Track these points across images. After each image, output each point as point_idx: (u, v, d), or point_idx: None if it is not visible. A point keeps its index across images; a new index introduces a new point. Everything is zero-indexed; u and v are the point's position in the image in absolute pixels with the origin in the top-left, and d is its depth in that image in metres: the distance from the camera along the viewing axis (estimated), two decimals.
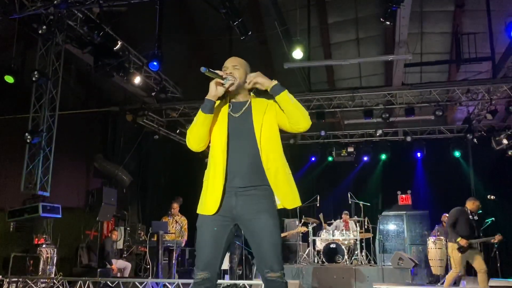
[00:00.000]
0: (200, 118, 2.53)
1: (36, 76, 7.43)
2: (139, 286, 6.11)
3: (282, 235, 9.34)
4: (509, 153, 10.75)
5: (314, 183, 12.88)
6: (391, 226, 11.28)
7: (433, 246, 8.88)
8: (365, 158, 12.48)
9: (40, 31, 7.36)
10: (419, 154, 12.16)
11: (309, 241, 9.93)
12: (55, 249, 7.21)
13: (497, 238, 6.76)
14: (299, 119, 2.50)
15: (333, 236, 9.75)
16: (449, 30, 10.37)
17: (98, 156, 10.04)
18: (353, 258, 9.64)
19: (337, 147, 12.51)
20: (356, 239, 9.63)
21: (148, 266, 7.45)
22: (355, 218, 10.21)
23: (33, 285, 6.42)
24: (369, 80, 11.88)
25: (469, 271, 9.51)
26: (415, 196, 11.67)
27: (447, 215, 6.91)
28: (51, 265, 7.05)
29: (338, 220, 10.53)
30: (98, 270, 7.70)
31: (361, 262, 9.41)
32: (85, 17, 7.50)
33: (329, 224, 10.46)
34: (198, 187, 2.66)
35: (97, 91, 10.13)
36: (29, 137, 7.37)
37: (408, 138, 11.53)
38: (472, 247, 6.39)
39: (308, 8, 9.12)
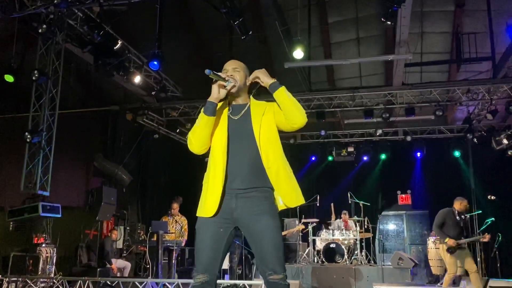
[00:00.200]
0: (203, 121, 2.53)
1: (36, 75, 7.43)
2: (139, 286, 6.10)
3: (282, 233, 9.33)
4: (509, 153, 10.74)
5: (314, 183, 12.87)
6: (391, 226, 11.29)
7: (433, 246, 8.88)
8: (365, 158, 12.47)
9: (40, 30, 7.34)
10: (419, 154, 12.16)
11: (309, 240, 9.93)
12: (55, 249, 7.20)
13: (487, 237, 6.78)
14: (295, 115, 2.51)
15: (333, 236, 9.75)
16: (449, 29, 10.36)
17: (98, 156, 10.03)
18: (353, 258, 9.64)
19: (337, 146, 12.51)
20: (356, 239, 9.63)
21: (148, 266, 7.45)
22: (355, 217, 10.20)
23: (32, 284, 6.41)
24: (369, 80, 11.88)
25: None
26: (415, 196, 11.68)
27: None
28: (50, 264, 7.04)
29: (338, 220, 10.53)
30: (98, 269, 7.69)
31: (361, 262, 9.41)
32: (85, 16, 7.48)
33: (329, 224, 10.45)
34: (198, 187, 2.66)
35: (97, 90, 10.12)
36: (29, 136, 7.36)
37: (408, 138, 11.53)
38: (461, 247, 6.39)
39: (308, 7, 9.12)
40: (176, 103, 10.61)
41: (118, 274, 8.33)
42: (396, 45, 8.30)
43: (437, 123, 11.74)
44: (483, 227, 8.22)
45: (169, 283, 6.23)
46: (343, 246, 9.47)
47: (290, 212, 10.82)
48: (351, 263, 9.39)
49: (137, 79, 8.95)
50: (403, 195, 11.56)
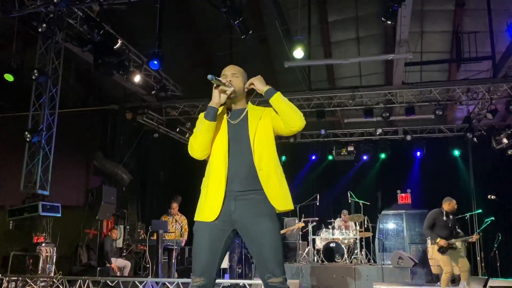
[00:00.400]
0: (204, 126, 2.55)
1: (36, 74, 7.41)
2: (138, 285, 6.10)
3: (281, 232, 9.35)
4: (509, 152, 10.75)
5: (314, 182, 12.86)
6: (391, 225, 11.28)
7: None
8: (365, 157, 12.48)
9: (40, 29, 7.33)
10: (419, 153, 12.16)
11: (309, 240, 9.94)
12: (55, 248, 7.20)
13: (474, 237, 6.89)
14: (293, 119, 2.53)
15: (332, 235, 9.75)
16: (449, 29, 10.36)
17: (97, 155, 10.02)
18: (352, 257, 9.65)
19: (337, 146, 12.50)
20: (356, 238, 9.63)
21: (148, 265, 7.45)
22: (355, 215, 10.19)
23: (32, 284, 6.41)
24: (369, 79, 11.86)
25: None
26: (415, 195, 11.67)
27: None
28: (50, 263, 7.04)
29: (338, 219, 10.54)
30: (98, 268, 7.69)
31: (361, 261, 9.42)
32: (85, 15, 7.47)
33: (329, 224, 10.45)
34: (198, 186, 2.66)
35: (97, 90, 10.11)
36: (28, 135, 7.35)
37: (408, 137, 11.52)
38: (452, 247, 6.48)
39: (308, 6, 9.11)
40: (176, 102, 10.60)
41: (118, 274, 8.33)
42: (396, 45, 8.29)
43: (437, 123, 11.74)
44: (483, 226, 8.23)
45: (169, 282, 6.24)
46: (343, 246, 9.48)
47: (290, 212, 10.81)
48: (351, 262, 9.40)
49: (137, 78, 8.94)
50: (403, 194, 11.55)
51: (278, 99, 2.55)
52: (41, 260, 6.88)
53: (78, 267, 8.19)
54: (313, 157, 12.85)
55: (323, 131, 11.70)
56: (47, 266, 6.98)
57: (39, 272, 6.81)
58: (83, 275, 6.69)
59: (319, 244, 9.93)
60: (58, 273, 6.71)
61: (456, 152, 11.82)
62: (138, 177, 11.23)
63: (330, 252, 9.45)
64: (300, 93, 10.07)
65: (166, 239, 7.49)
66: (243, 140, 2.57)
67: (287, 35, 8.74)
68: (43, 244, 7.07)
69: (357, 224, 9.82)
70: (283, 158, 12.04)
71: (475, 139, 10.99)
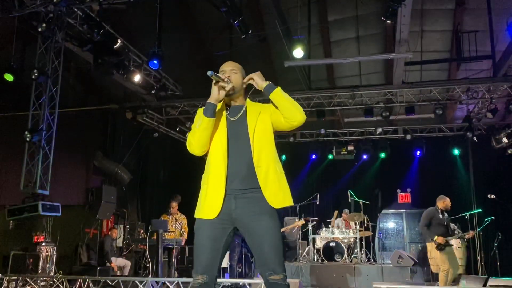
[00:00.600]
0: (203, 122, 2.54)
1: (36, 74, 7.41)
2: (139, 284, 6.10)
3: (281, 230, 9.34)
4: (509, 151, 10.75)
5: (314, 181, 12.87)
6: (391, 224, 11.30)
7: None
8: (365, 156, 12.48)
9: (39, 29, 7.32)
10: (418, 153, 12.17)
11: (309, 239, 9.94)
12: (55, 247, 7.20)
13: (471, 233, 7.12)
14: (294, 113, 2.54)
15: (332, 234, 9.76)
16: (449, 28, 10.35)
17: (97, 154, 10.03)
18: (352, 256, 9.66)
19: (337, 145, 12.50)
20: (356, 237, 9.64)
21: (148, 265, 7.45)
22: (355, 213, 10.20)
23: (32, 283, 6.41)
24: (369, 78, 11.86)
25: (469, 270, 9.55)
26: (415, 194, 11.69)
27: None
28: (50, 263, 7.04)
29: (338, 219, 10.54)
30: (98, 268, 7.70)
31: (361, 260, 9.42)
32: (84, 15, 7.46)
33: (329, 223, 10.46)
34: (198, 185, 2.66)
35: (97, 89, 10.11)
36: (28, 135, 7.34)
37: (408, 136, 11.52)
38: (448, 244, 6.60)
39: (308, 6, 9.10)
40: (176, 101, 10.60)
41: (118, 273, 8.34)
42: (396, 44, 8.29)
43: (437, 122, 11.74)
44: (483, 225, 8.24)
45: (169, 281, 6.24)
46: (342, 245, 9.48)
47: (290, 211, 10.82)
48: (351, 261, 9.40)
49: (137, 77, 8.94)
50: (403, 194, 11.56)
51: (278, 94, 2.56)
52: (41, 259, 6.88)
53: (78, 266, 8.20)
54: (313, 157, 12.85)
55: (323, 131, 11.70)
56: (47, 265, 6.98)
57: (39, 271, 6.81)
58: (83, 274, 6.70)
59: (319, 243, 9.94)
60: (58, 272, 6.72)
61: (456, 152, 11.81)
62: (138, 176, 11.24)
63: (330, 251, 9.45)
64: (300, 93, 10.07)
65: (166, 239, 7.49)
66: (242, 137, 2.57)
67: (287, 35, 8.74)
68: (43, 244, 7.07)
69: (357, 223, 9.82)
70: (283, 157, 12.05)
71: (475, 138, 10.99)
